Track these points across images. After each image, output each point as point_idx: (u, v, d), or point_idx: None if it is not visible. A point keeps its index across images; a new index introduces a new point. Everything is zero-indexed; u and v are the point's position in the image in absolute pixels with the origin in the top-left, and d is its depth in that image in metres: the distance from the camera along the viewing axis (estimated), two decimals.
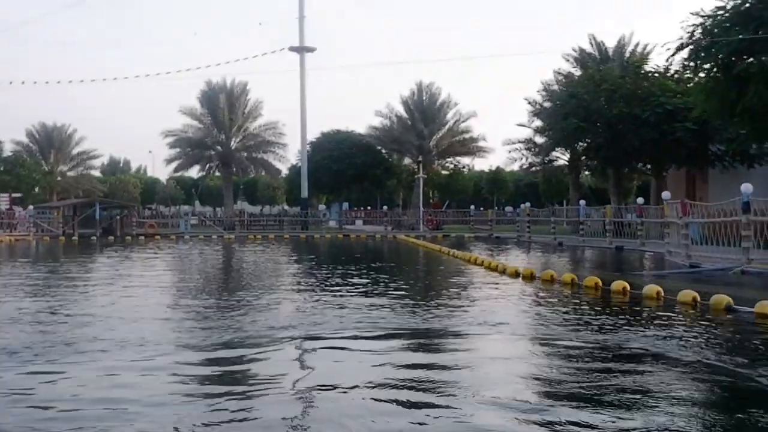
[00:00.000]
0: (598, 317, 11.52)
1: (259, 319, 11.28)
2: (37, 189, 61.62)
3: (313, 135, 63.84)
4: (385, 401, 6.43)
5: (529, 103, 52.31)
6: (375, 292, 15.31)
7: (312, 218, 59.05)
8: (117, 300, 14.24)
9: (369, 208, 75.33)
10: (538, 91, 52.83)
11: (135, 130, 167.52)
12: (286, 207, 77.53)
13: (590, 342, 9.27)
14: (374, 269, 22.62)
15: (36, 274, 21.32)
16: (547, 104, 49.47)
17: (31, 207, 52.11)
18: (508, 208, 68.37)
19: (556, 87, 50.40)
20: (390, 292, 15.21)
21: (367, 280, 18.18)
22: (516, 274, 18.53)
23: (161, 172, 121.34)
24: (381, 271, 22.04)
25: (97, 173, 78.37)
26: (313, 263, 26.28)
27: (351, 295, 14.46)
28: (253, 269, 23.52)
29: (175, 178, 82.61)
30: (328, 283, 17.24)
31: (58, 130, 68.45)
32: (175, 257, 30.36)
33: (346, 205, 69.38)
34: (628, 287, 14.21)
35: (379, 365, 8.00)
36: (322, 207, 68.26)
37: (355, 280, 18.02)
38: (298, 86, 59.46)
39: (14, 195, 56.74)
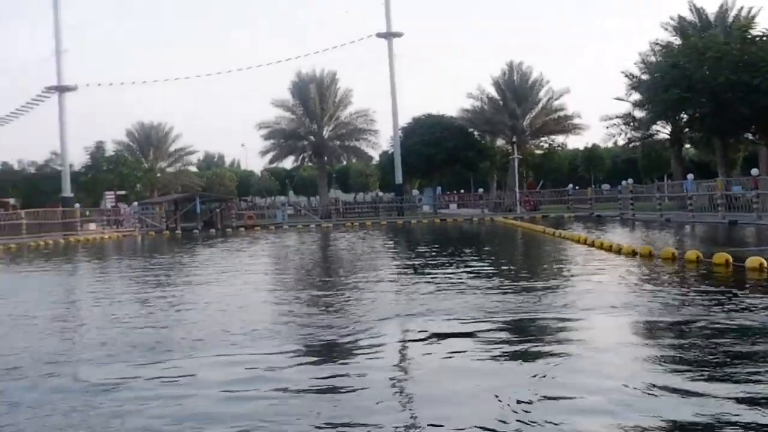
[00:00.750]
0: (739, 297, 10.86)
1: (379, 305, 11.08)
2: (138, 186, 63.26)
3: (404, 120, 63.71)
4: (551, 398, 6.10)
5: (626, 76, 50.68)
6: (492, 276, 14.95)
7: (407, 204, 58.91)
8: (238, 291, 14.29)
9: (462, 191, 74.71)
10: (635, 64, 51.17)
11: (228, 125, 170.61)
12: (379, 193, 77.55)
13: (735, 323, 8.70)
14: (483, 253, 22.24)
15: (153, 268, 21.73)
16: (645, 76, 47.87)
17: (135, 203, 53.59)
18: (605, 186, 66.80)
19: (654, 58, 48.73)
20: (507, 277, 14.82)
21: (482, 264, 17.82)
22: (633, 253, 17.83)
23: (255, 164, 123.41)
24: (490, 255, 21.66)
25: (193, 168, 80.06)
26: (418, 249, 26.00)
27: (467, 280, 14.13)
28: (361, 256, 23.43)
29: (269, 170, 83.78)
30: (439, 269, 16.93)
31: (155, 129, 70.20)
32: (280, 247, 30.61)
33: (438, 189, 68.93)
34: (766, 264, 13.37)
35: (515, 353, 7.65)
36: (415, 192, 67.96)
37: (469, 265, 17.67)
38: (387, 72, 59.37)
39: (119, 192, 58.51)
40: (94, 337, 9.67)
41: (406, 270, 17.56)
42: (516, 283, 13.45)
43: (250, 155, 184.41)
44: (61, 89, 52.55)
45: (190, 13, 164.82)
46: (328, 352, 8.30)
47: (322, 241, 33.07)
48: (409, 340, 8.97)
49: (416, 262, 19.50)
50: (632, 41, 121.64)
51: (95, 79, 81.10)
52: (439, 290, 12.73)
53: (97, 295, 14.87)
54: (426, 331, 9.08)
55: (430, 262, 19.26)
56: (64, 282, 19.50)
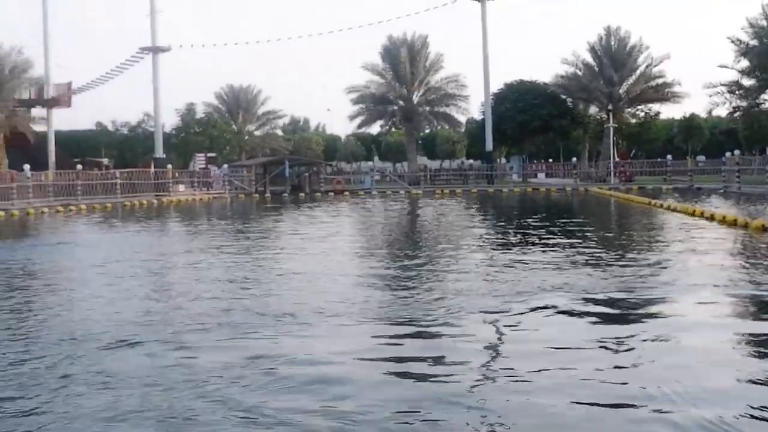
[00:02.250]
0: None
1: (501, 281, 10.29)
2: (227, 148, 63.53)
3: (496, 86, 62.13)
4: None
5: (733, 42, 48.05)
6: (619, 249, 13.97)
7: (497, 172, 57.66)
8: (339, 259, 13.70)
9: (551, 160, 72.86)
10: (742, 29, 48.42)
11: (314, 89, 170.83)
12: (464, 161, 76.28)
13: None
14: (592, 225, 21.20)
15: (249, 232, 21.41)
16: (754, 42, 45.36)
17: (225, 166, 53.85)
18: (700, 157, 64.12)
19: (766, 22, 46.07)
20: (631, 253, 13.82)
21: (600, 237, 16.84)
22: (763, 229, 16.53)
23: (340, 129, 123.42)
24: (604, 228, 20.62)
25: (279, 132, 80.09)
26: (519, 220, 25.03)
27: (581, 254, 13.19)
28: (458, 225, 22.66)
29: (355, 135, 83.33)
30: (546, 241, 16.01)
31: (244, 91, 70.25)
32: (374, 213, 30.05)
33: (525, 158, 67.18)
34: None
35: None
36: (503, 160, 66.55)
37: (579, 237, 16.70)
38: (479, 37, 57.86)
39: (209, 155, 58.86)
40: (221, 305, 9.19)
41: (515, 242, 16.67)
42: (648, 258, 12.47)
43: (336, 120, 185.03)
44: (155, 50, 52.79)
45: None
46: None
47: (415, 209, 32.37)
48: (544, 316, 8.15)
49: (524, 233, 18.58)
50: (739, 5, 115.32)
51: (187, 40, 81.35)
52: (557, 265, 11.88)
53: (205, 258, 14.48)
54: (556, 307, 8.28)
55: (538, 233, 18.34)
56: (172, 244, 19.26)
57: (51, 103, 52.69)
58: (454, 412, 5.07)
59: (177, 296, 10.15)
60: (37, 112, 52.58)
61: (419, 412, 5.11)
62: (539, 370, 6.05)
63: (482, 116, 60.69)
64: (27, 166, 37.66)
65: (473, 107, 63.83)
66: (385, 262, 13.43)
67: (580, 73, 60.60)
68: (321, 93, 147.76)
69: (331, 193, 48.69)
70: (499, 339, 7.38)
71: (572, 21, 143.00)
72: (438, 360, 6.52)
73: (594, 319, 8.05)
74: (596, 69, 59.78)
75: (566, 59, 60.62)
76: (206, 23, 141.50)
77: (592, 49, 60.42)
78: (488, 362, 6.50)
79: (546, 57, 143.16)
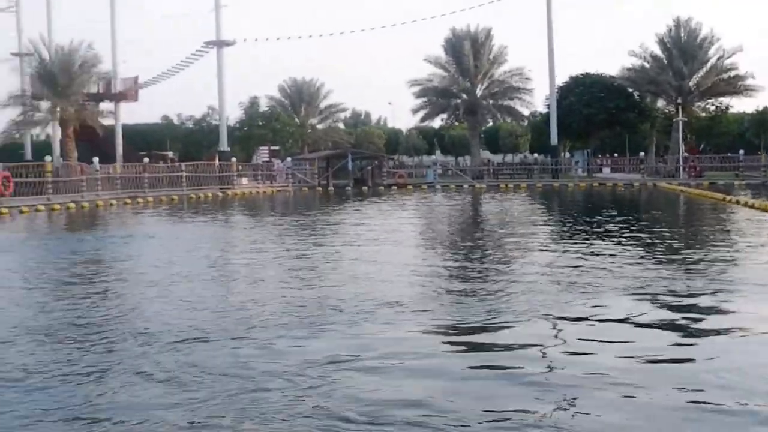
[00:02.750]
0: None
1: (585, 279, 9.89)
2: (290, 141, 63.77)
3: (561, 79, 61.06)
4: None
5: None
6: (703, 248, 13.42)
7: (562, 166, 56.74)
8: (410, 254, 13.44)
9: (616, 155, 71.39)
10: None
11: (375, 82, 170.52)
12: (527, 155, 75.32)
13: None
14: (665, 221, 20.54)
15: (317, 225, 21.30)
16: None
17: (289, 159, 53.97)
18: None
19: None
20: (712, 250, 13.26)
21: (674, 233, 16.26)
22: None
23: (402, 122, 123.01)
24: (678, 224, 19.96)
25: (341, 126, 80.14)
26: (589, 215, 24.43)
27: (659, 251, 12.69)
28: (527, 221, 22.20)
29: (417, 128, 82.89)
30: (620, 238, 15.49)
31: (307, 85, 70.37)
32: (439, 207, 29.74)
33: (588, 152, 65.91)
34: None
35: None
36: (567, 154, 65.45)
37: (654, 234, 16.14)
38: (544, 29, 56.91)
39: (273, 148, 59.17)
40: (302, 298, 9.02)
41: (588, 238, 16.17)
42: (733, 255, 11.93)
43: (398, 113, 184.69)
44: (220, 44, 53.18)
45: None
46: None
47: (481, 204, 31.95)
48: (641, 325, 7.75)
49: (596, 230, 18.05)
50: None
51: (251, 34, 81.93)
52: (640, 261, 11.41)
53: (275, 251, 14.37)
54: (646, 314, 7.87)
55: (610, 229, 17.80)
56: (241, 236, 19.24)
57: (118, 97, 53.48)
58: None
59: (251, 290, 10.01)
60: (104, 106, 53.40)
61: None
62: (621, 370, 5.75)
63: (547, 109, 59.78)
64: (96, 159, 38.26)
65: (537, 100, 63.03)
66: (456, 258, 13.14)
67: (647, 65, 59.16)
68: (383, 86, 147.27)
69: (394, 187, 48.43)
70: (578, 341, 7.01)
71: (640, 12, 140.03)
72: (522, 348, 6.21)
73: (678, 321, 7.66)
74: (665, 61, 58.30)
75: (633, 51, 59.26)
76: (269, 17, 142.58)
77: (661, 41, 58.94)
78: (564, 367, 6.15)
79: (612, 49, 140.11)
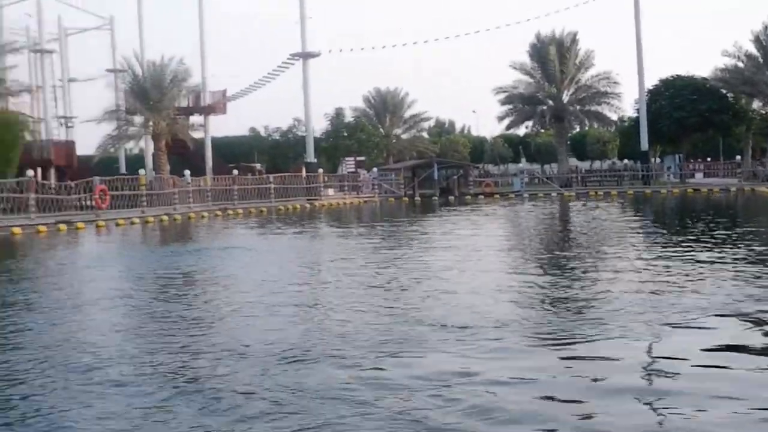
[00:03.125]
0: None
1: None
2: (375, 152, 63.94)
3: (650, 82, 59.53)
4: None
5: None
6: None
7: (653, 172, 55.23)
8: (508, 267, 13.09)
9: (709, 159, 69.09)
10: None
11: (458, 90, 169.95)
12: (616, 161, 73.67)
13: None
14: None
15: (410, 237, 21.13)
16: None
17: (375, 169, 54.10)
18: None
19: None
20: None
21: None
22: None
23: (486, 130, 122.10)
24: None
25: (425, 135, 79.93)
26: (687, 223, 23.56)
27: None
28: (624, 230, 21.51)
29: (502, 136, 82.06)
30: (725, 249, 14.76)
31: (391, 95, 70.43)
32: (529, 216, 29.20)
33: (680, 157, 63.98)
34: None
35: None
36: (657, 160, 63.66)
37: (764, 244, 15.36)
38: (631, 32, 55.61)
39: (358, 158, 59.44)
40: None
41: (692, 249, 15.47)
42: None
43: (482, 121, 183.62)
44: (305, 56, 53.74)
45: None
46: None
47: (573, 212, 31.24)
48: None
49: (698, 239, 17.29)
50: None
51: (335, 45, 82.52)
52: (746, 279, 10.80)
53: (370, 264, 14.23)
54: None
55: (713, 239, 17.04)
56: (336, 248, 19.14)
57: (208, 110, 54.56)
58: None
59: (347, 305, 9.82)
60: (194, 119, 54.51)
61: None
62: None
63: (636, 114, 58.35)
64: (187, 172, 38.99)
65: (626, 105, 61.55)
66: (554, 271, 12.71)
67: (742, 65, 57.13)
68: (466, 94, 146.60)
69: (481, 196, 47.98)
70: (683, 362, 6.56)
71: (732, 11, 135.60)
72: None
73: None
74: (761, 60, 56.24)
75: (727, 51, 57.31)
76: (353, 28, 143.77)
77: (757, 39, 56.83)
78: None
79: (704, 50, 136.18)
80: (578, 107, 59.40)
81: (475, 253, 15.54)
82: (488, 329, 7.83)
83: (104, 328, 8.83)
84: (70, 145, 53.13)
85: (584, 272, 12.26)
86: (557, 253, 15.91)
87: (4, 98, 38.15)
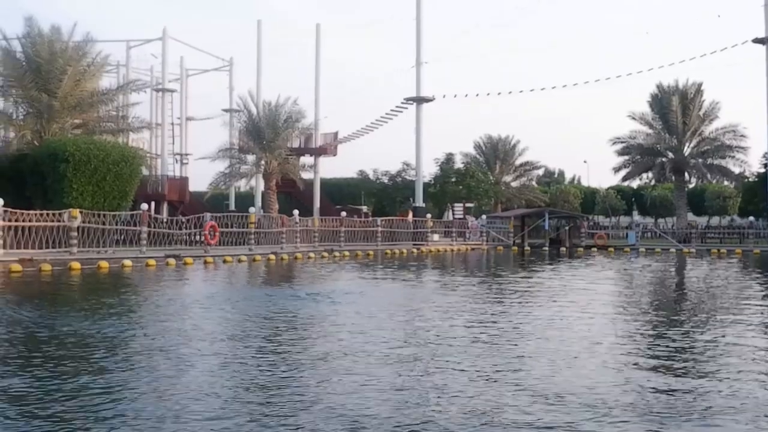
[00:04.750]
0: None
1: None
2: (484, 199, 62.73)
3: None
4: None
5: None
6: None
7: None
8: (623, 329, 11.82)
9: None
10: None
11: (569, 140, 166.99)
12: (735, 217, 70.16)
13: None
14: None
15: (526, 290, 19.98)
16: None
17: (484, 216, 52.93)
18: None
19: None
20: None
21: None
22: None
23: (595, 181, 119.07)
24: None
25: (535, 184, 78.33)
26: None
27: None
28: (758, 293, 19.72)
29: (615, 188, 79.55)
30: None
31: (502, 142, 69.28)
32: (650, 272, 27.49)
33: None
34: None
35: None
36: None
37: None
38: (761, 82, 52.88)
39: (467, 205, 58.42)
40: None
41: None
42: None
43: (593, 172, 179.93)
44: (419, 100, 53.32)
45: (537, 21, 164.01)
46: None
47: (697, 271, 29.29)
48: None
49: None
50: None
51: (447, 90, 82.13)
52: None
53: (484, 319, 13.20)
54: None
55: None
56: (460, 298, 18.14)
57: (319, 152, 54.80)
58: None
59: (483, 363, 8.84)
60: (304, 159, 54.79)
61: None
62: None
63: (763, 169, 55.33)
64: (296, 212, 38.75)
65: (752, 159, 58.28)
66: (686, 341, 11.39)
67: None
68: (577, 143, 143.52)
69: (594, 249, 46.12)
70: None
71: None
72: None
73: None
74: None
75: None
76: (464, 73, 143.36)
77: None
78: None
79: None
80: (700, 160, 56.80)
81: (598, 310, 14.29)
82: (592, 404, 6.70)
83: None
84: (183, 181, 54.16)
85: (716, 339, 10.88)
86: (691, 317, 14.47)
87: (125, 134, 39.09)
